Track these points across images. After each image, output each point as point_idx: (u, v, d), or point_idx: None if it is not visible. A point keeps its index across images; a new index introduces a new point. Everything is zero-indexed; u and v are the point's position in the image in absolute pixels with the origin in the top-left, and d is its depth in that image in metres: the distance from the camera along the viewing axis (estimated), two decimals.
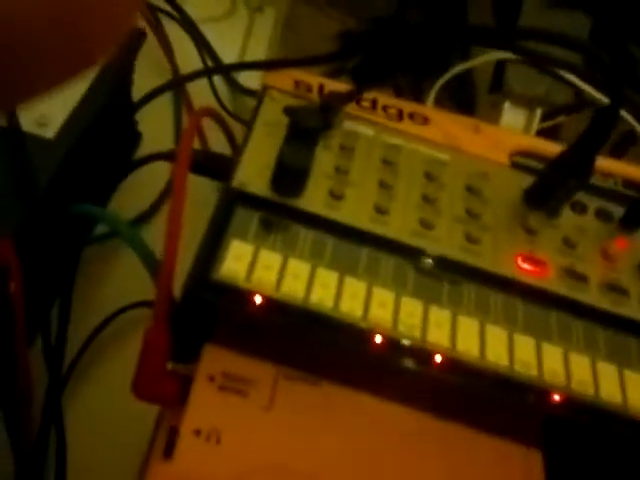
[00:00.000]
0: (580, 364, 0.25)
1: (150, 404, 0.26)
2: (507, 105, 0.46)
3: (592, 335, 0.27)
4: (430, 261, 0.27)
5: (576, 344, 0.26)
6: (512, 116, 0.47)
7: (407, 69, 0.48)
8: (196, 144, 0.36)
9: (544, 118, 0.47)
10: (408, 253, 0.27)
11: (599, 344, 0.26)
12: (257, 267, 0.24)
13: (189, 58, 0.46)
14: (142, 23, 0.43)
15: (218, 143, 0.36)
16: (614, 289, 0.28)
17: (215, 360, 0.24)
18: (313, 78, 0.35)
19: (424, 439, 0.24)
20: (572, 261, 0.29)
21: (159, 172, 0.37)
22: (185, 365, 0.25)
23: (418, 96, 0.48)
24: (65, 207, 0.29)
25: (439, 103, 0.44)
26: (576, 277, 0.28)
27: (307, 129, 0.28)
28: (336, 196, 0.27)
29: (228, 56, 0.48)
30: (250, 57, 0.50)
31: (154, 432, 0.24)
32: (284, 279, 0.24)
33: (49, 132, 0.30)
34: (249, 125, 0.30)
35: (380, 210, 0.28)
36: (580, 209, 0.31)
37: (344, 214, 0.27)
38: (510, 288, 0.27)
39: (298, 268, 0.25)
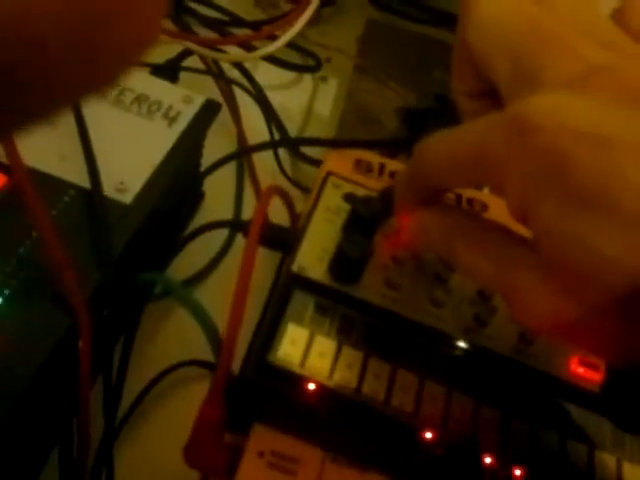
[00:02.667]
0: (633, 474, 0.26)
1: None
2: None
3: None
4: None
5: (629, 453, 0.26)
6: None
7: None
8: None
9: None
10: (462, 349, 0.28)
11: None
12: (312, 353, 0.26)
13: (256, 124, 0.48)
14: (217, 93, 0.46)
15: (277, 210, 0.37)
16: None
17: (265, 437, 0.25)
18: (374, 157, 0.37)
19: None
20: None
21: (215, 235, 0.40)
22: (236, 435, 0.27)
23: None
24: (131, 275, 0.31)
25: None
26: None
27: (366, 219, 0.29)
28: (392, 286, 0.29)
29: (292, 122, 0.50)
30: (313, 124, 0.52)
31: None
32: (337, 368, 0.25)
33: (127, 197, 0.33)
34: (310, 210, 0.31)
35: (435, 303, 0.29)
36: None
37: (399, 305, 0.28)
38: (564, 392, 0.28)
39: (352, 357, 0.26)
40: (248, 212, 0.45)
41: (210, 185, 0.44)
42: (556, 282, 0.19)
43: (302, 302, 0.27)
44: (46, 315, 0.28)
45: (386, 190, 0.32)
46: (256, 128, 0.48)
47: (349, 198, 0.31)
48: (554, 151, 0.18)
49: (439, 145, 0.22)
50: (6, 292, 0.28)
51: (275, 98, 0.50)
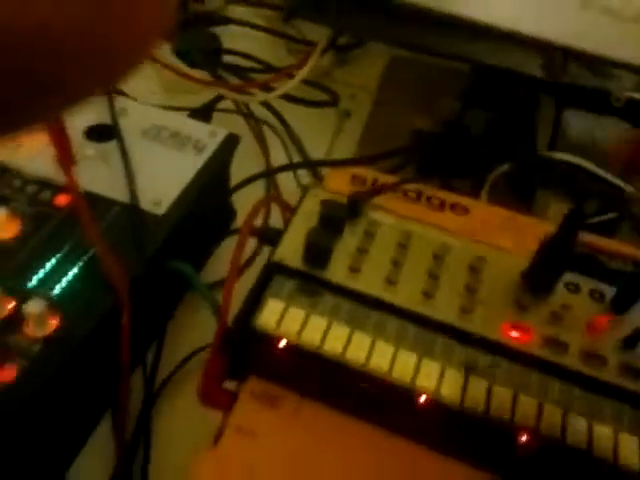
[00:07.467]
0: (552, 413, 0.31)
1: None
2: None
3: (567, 392, 0.32)
4: None
5: (551, 398, 0.32)
6: (559, 210, 0.53)
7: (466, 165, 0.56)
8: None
9: (598, 212, 0.52)
10: (410, 317, 0.34)
11: (572, 400, 0.32)
12: (285, 320, 0.33)
13: (281, 154, 0.57)
14: (246, 129, 0.55)
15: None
16: (592, 357, 0.33)
17: (255, 382, 0.33)
18: (369, 173, 0.44)
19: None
20: (557, 331, 0.34)
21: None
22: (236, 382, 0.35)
23: (477, 186, 0.55)
24: (163, 263, 0.40)
25: (496, 191, 0.52)
26: (557, 344, 0.33)
27: (332, 218, 0.37)
28: (354, 269, 0.36)
29: (318, 153, 0.59)
30: (336, 155, 0.60)
31: None
32: (305, 330, 0.32)
33: (161, 209, 0.42)
34: (292, 214, 0.39)
35: (390, 281, 0.35)
36: (574, 289, 0.36)
37: (359, 284, 0.35)
38: (496, 350, 0.33)
39: (317, 323, 0.33)
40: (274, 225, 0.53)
41: (241, 203, 0.52)
42: None
43: (281, 284, 0.35)
44: (96, 295, 0.37)
45: (354, 194, 0.39)
46: (283, 157, 0.57)
47: (322, 202, 0.38)
48: None
49: None
50: (69, 277, 0.37)
51: (302, 130, 0.58)
